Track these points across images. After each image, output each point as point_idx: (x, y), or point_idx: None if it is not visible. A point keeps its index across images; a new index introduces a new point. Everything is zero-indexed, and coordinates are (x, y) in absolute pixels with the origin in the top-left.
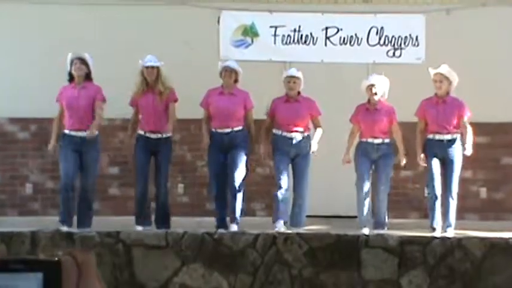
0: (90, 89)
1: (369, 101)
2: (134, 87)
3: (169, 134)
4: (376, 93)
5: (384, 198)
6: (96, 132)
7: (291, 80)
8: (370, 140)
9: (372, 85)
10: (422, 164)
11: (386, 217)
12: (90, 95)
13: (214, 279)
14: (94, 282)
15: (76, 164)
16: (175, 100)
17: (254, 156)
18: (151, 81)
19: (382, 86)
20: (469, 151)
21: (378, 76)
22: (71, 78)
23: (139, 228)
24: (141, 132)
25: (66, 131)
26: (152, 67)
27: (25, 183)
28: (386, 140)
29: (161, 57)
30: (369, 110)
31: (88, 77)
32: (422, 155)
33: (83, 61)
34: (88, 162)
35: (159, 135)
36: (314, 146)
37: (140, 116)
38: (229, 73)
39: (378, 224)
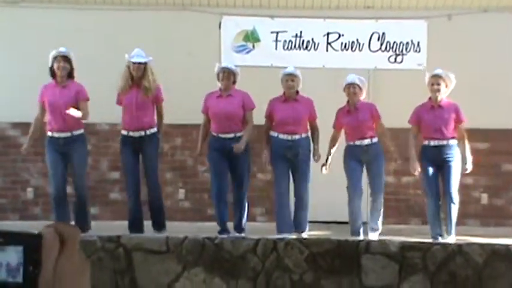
0: (72, 88)
1: (348, 102)
2: (119, 82)
3: (153, 131)
4: (355, 93)
5: (379, 204)
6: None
7: (289, 78)
8: (357, 142)
9: (351, 84)
10: (416, 173)
11: (380, 222)
12: (73, 95)
13: (215, 285)
14: (74, 256)
15: (64, 171)
16: (163, 100)
17: (256, 158)
18: (137, 77)
19: (362, 86)
20: (469, 166)
21: (356, 76)
22: (53, 74)
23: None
24: (124, 132)
25: (49, 134)
26: (139, 63)
27: (26, 187)
28: (374, 140)
29: (162, 62)
30: (350, 112)
31: (70, 75)
32: (416, 164)
33: (66, 59)
34: (76, 161)
35: (142, 133)
36: (318, 153)
37: (123, 115)
38: (227, 74)
39: (372, 228)
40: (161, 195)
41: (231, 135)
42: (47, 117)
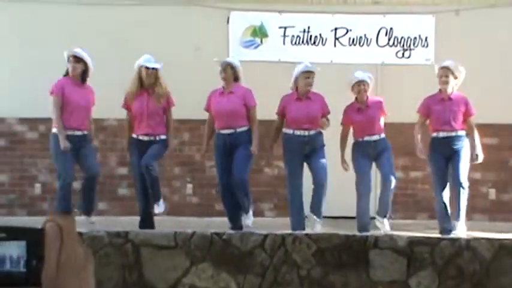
0: (89, 90)
1: (356, 99)
2: (128, 88)
3: (163, 137)
4: (365, 91)
5: (389, 193)
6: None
7: (310, 75)
8: (366, 138)
9: (361, 82)
10: (422, 156)
11: (390, 207)
12: (90, 97)
13: (222, 280)
14: (75, 245)
15: (74, 164)
16: (173, 105)
17: (263, 153)
18: (148, 84)
19: (370, 83)
20: (480, 154)
21: (363, 73)
22: (67, 73)
23: None
24: (134, 135)
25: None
26: (153, 68)
27: (34, 183)
28: (382, 135)
29: (169, 58)
30: (360, 110)
31: (84, 74)
32: (421, 146)
33: (78, 59)
34: (87, 154)
35: (152, 138)
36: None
37: (134, 121)
38: (224, 67)
39: (381, 212)
40: (155, 175)
41: (231, 131)
42: (64, 113)
